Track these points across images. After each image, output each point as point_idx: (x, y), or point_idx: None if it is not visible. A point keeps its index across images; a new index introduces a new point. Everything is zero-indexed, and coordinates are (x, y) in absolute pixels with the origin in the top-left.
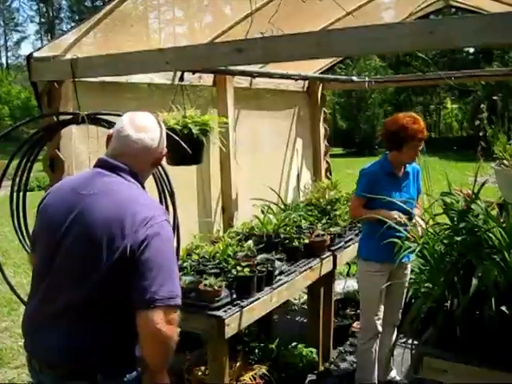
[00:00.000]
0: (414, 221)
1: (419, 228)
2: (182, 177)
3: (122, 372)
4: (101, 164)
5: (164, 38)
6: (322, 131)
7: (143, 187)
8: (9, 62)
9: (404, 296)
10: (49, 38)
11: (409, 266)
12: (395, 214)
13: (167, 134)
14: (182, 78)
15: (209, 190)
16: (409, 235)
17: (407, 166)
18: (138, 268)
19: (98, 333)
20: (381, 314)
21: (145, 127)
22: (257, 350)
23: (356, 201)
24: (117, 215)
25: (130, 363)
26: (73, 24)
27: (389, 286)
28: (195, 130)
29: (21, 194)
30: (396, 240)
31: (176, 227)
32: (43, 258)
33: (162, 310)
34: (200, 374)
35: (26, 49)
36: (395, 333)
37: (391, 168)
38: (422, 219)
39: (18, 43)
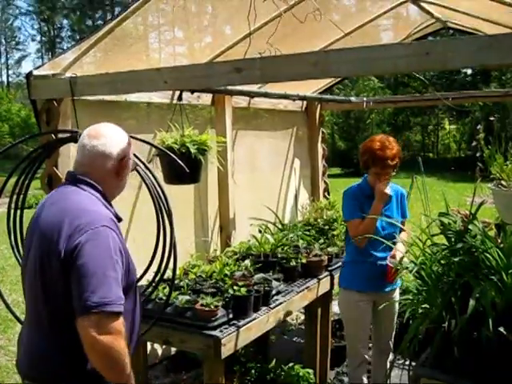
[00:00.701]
0: (395, 247)
1: (397, 253)
2: (180, 195)
3: None
4: (67, 177)
5: (164, 58)
6: (320, 151)
7: (105, 198)
8: (9, 79)
9: (393, 324)
10: (49, 56)
11: (396, 293)
12: (380, 186)
13: (165, 153)
14: (180, 98)
15: (206, 209)
16: (389, 263)
17: (389, 188)
18: (73, 275)
19: (65, 344)
20: (366, 342)
21: (97, 134)
22: (253, 371)
23: (351, 224)
24: (58, 222)
25: (97, 377)
26: (73, 43)
27: (376, 315)
28: (193, 149)
29: (18, 211)
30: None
31: (173, 246)
32: (23, 273)
33: (95, 317)
34: None
35: (26, 67)
36: (388, 363)
37: (370, 190)
38: (410, 243)
39: (18, 61)
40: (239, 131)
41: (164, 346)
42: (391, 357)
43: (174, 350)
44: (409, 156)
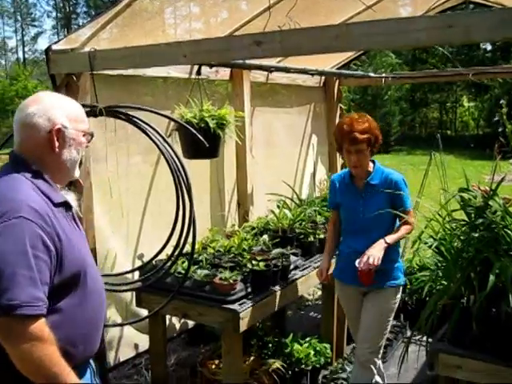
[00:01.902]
0: (366, 252)
1: (365, 258)
2: (196, 171)
3: None
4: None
5: (179, 34)
6: None
7: (43, 178)
8: (25, 56)
9: (376, 325)
10: (65, 33)
11: (388, 292)
12: (323, 264)
13: (184, 128)
14: (199, 72)
15: (222, 184)
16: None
17: (373, 175)
18: None
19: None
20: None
21: (26, 104)
22: (270, 345)
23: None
24: None
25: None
26: (89, 19)
27: (364, 308)
28: (212, 124)
29: None
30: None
31: (192, 221)
32: None
33: (3, 322)
34: (214, 367)
35: (42, 44)
36: (365, 375)
37: (349, 178)
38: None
39: (34, 38)
40: (256, 107)
41: (182, 320)
42: (375, 371)
43: (191, 324)
44: (426, 133)
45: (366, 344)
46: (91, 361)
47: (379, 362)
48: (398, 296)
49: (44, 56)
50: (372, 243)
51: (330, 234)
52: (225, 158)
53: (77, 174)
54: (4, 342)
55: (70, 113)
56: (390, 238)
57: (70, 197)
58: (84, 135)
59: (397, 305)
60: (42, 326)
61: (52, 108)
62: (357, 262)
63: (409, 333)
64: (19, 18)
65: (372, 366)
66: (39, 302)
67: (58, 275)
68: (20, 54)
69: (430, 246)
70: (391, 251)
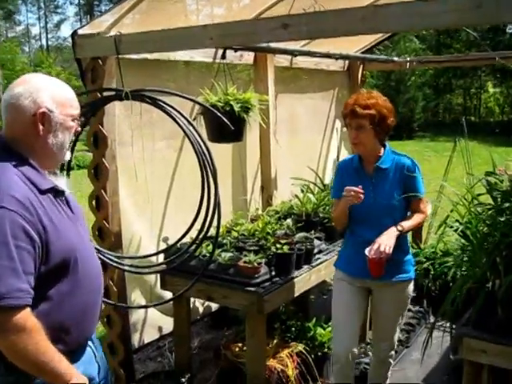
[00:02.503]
0: (377, 239)
1: (375, 246)
2: (218, 155)
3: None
4: None
5: (202, 19)
6: None
7: (30, 164)
8: (49, 43)
9: (392, 324)
10: (88, 19)
11: (401, 287)
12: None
13: (209, 111)
14: (223, 56)
15: (245, 169)
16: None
17: (383, 159)
18: None
19: None
20: (345, 338)
21: (13, 85)
22: (293, 329)
23: (333, 204)
24: None
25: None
26: (111, 5)
27: (372, 308)
28: (237, 108)
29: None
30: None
31: (217, 204)
32: None
33: None
34: (237, 349)
35: (65, 31)
36: (386, 373)
37: (358, 161)
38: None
39: (57, 25)
40: (280, 94)
41: (205, 304)
42: (392, 363)
43: (214, 307)
44: (450, 120)
45: (384, 343)
46: (92, 341)
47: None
48: (410, 290)
49: (67, 43)
50: (383, 232)
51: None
52: (248, 143)
53: (67, 157)
54: None
55: (58, 96)
56: (403, 226)
57: (62, 181)
58: (73, 120)
59: (410, 299)
60: (25, 317)
61: (39, 90)
62: (367, 250)
63: (432, 319)
64: (42, 5)
65: (390, 360)
66: (21, 292)
67: (45, 264)
68: (43, 41)
69: (455, 230)
70: (402, 241)
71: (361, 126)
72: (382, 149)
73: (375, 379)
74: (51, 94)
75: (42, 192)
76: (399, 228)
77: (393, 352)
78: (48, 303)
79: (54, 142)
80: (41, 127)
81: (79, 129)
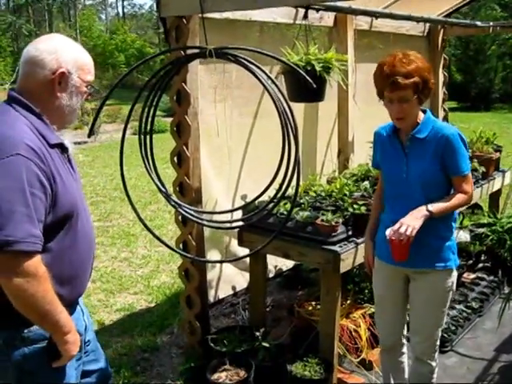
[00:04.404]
0: (402, 219)
1: (396, 226)
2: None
3: (18, 326)
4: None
5: None
6: (441, 78)
7: (41, 119)
8: (124, 11)
9: (425, 318)
10: None
11: (437, 276)
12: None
13: (290, 70)
14: (306, 15)
15: (320, 131)
16: (390, 237)
17: (420, 127)
18: None
19: None
20: (385, 325)
21: (39, 40)
22: (366, 291)
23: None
24: None
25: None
26: None
27: (410, 297)
28: (318, 67)
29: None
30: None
31: (297, 162)
32: None
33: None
34: (310, 308)
35: None
36: (429, 374)
37: (392, 130)
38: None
39: None
40: (358, 59)
41: (277, 267)
42: (433, 364)
43: (287, 266)
44: None
45: (418, 337)
46: (80, 302)
47: (437, 354)
48: (450, 280)
49: (142, 10)
50: (412, 205)
51: (374, 202)
52: (320, 105)
53: (74, 121)
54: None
55: (80, 60)
56: (435, 207)
57: (67, 139)
58: (87, 86)
59: (451, 291)
60: (37, 263)
61: (62, 50)
62: (387, 231)
63: (507, 289)
64: None
65: (429, 361)
66: (35, 238)
67: (52, 214)
68: (119, 9)
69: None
70: (441, 226)
71: (404, 98)
72: (422, 114)
73: (413, 378)
74: (74, 56)
75: (51, 146)
76: (430, 208)
77: (433, 353)
78: (49, 255)
79: (66, 102)
80: (57, 87)
81: (88, 97)
